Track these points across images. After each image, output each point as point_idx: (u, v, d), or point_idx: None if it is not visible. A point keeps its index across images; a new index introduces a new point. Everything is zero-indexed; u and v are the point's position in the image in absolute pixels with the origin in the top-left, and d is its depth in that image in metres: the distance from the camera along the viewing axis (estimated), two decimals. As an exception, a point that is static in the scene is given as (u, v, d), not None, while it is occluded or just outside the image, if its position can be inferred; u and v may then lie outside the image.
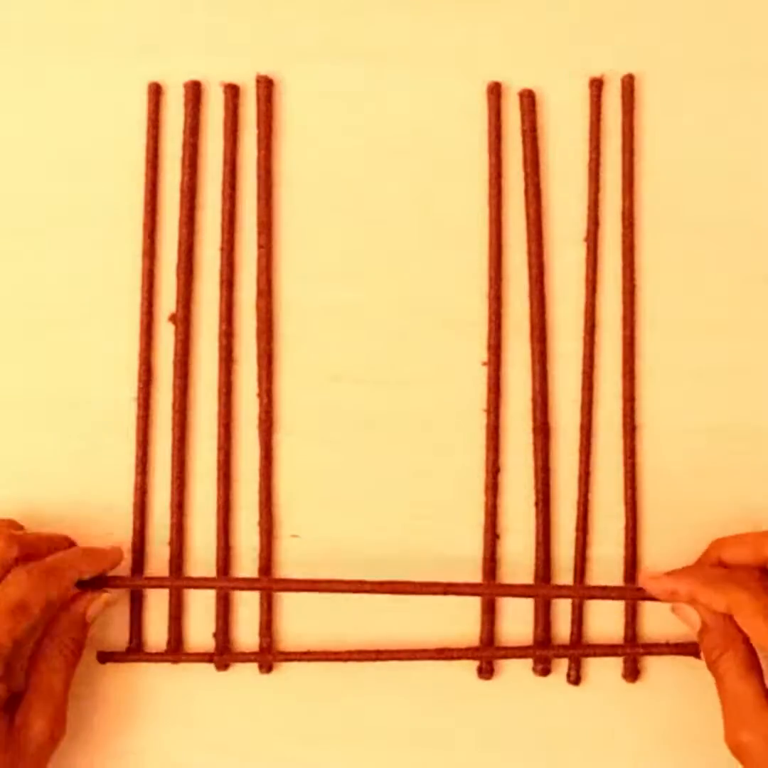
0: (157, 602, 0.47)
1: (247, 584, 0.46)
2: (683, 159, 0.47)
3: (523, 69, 0.47)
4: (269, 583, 0.46)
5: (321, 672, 0.46)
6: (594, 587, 0.45)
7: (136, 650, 0.46)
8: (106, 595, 0.44)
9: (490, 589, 0.45)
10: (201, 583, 0.46)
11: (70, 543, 0.45)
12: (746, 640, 0.41)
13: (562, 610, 0.46)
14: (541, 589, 0.45)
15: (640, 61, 0.47)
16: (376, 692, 0.46)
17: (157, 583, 0.46)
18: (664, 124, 0.47)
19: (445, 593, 0.44)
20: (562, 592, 0.45)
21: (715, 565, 0.43)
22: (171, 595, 0.47)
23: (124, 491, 0.47)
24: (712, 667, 0.42)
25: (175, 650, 0.46)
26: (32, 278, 0.48)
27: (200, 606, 0.47)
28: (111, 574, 0.45)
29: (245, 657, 0.46)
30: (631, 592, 0.44)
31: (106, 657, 0.46)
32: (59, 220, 0.48)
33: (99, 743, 0.47)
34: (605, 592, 0.44)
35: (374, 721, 0.46)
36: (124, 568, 0.46)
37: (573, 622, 0.46)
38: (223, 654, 0.46)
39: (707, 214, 0.47)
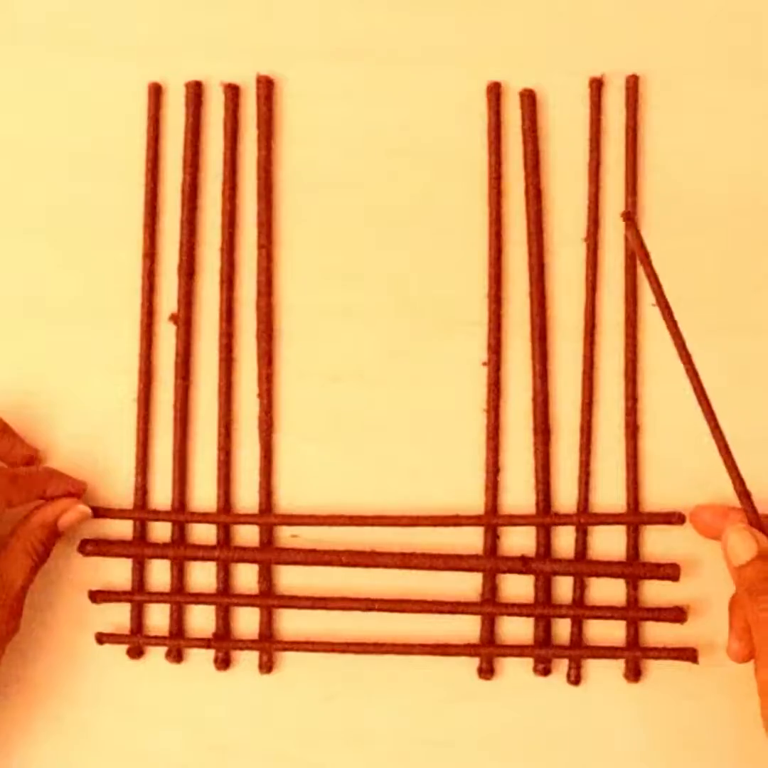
0: (158, 605, 0.47)
1: (248, 601, 0.47)
2: (684, 159, 0.47)
3: (523, 69, 0.47)
4: (268, 601, 0.46)
5: (321, 673, 0.46)
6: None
7: (136, 632, 0.47)
8: (81, 507, 0.45)
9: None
10: (202, 599, 0.47)
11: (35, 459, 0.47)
12: None
13: (564, 601, 0.46)
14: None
15: (640, 61, 0.47)
16: (377, 692, 0.46)
17: (157, 598, 0.47)
18: (665, 124, 0.47)
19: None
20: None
21: None
22: (172, 607, 0.47)
23: (124, 491, 0.47)
24: (755, 600, 0.39)
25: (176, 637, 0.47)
26: (33, 278, 0.48)
27: (201, 607, 0.47)
28: (114, 587, 0.46)
29: (244, 644, 0.46)
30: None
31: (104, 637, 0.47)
32: (60, 220, 0.48)
33: (99, 743, 0.47)
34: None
35: (374, 721, 0.46)
36: (125, 569, 0.47)
37: (573, 622, 0.46)
38: (221, 641, 0.46)
39: (708, 213, 0.47)
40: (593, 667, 0.46)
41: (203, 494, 0.47)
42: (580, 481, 0.46)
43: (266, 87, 0.47)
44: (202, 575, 0.47)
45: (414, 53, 0.47)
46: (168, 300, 0.48)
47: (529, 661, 0.46)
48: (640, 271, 0.46)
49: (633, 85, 0.47)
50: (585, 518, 0.46)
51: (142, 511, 0.47)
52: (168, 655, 0.47)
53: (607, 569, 0.46)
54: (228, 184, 0.48)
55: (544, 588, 0.46)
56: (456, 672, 0.46)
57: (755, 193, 0.47)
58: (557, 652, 0.46)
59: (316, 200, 0.47)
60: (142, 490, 0.47)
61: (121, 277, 0.48)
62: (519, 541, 0.46)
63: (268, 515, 0.47)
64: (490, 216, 0.47)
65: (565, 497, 0.46)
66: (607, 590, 0.46)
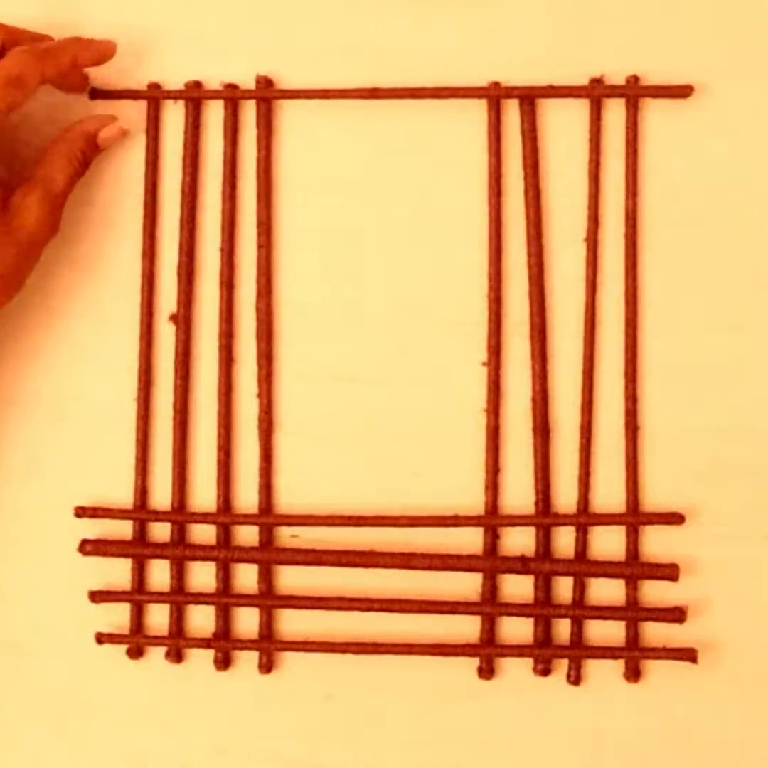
0: (157, 605, 0.47)
1: (247, 601, 0.46)
2: (684, 159, 0.47)
3: (523, 69, 0.47)
4: (268, 601, 0.46)
5: (321, 673, 0.46)
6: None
7: (136, 632, 0.47)
8: (121, 124, 0.47)
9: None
10: (202, 599, 0.47)
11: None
12: None
13: (564, 601, 0.46)
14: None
15: (640, 61, 0.47)
16: (377, 692, 0.46)
17: (157, 598, 0.47)
18: (665, 124, 0.47)
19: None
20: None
21: None
22: (171, 607, 0.47)
23: (124, 491, 0.47)
24: None
25: (175, 636, 0.47)
26: (33, 278, 0.47)
27: (201, 607, 0.47)
28: (114, 587, 0.46)
29: (244, 644, 0.46)
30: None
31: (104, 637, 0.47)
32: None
33: (99, 743, 0.47)
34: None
35: (374, 721, 0.46)
36: (125, 569, 0.47)
37: (573, 622, 0.46)
38: (221, 641, 0.46)
39: (709, 213, 0.47)
40: (593, 667, 0.46)
41: (203, 494, 0.47)
42: (580, 481, 0.46)
43: (266, 87, 0.47)
44: (202, 575, 0.47)
45: (414, 53, 0.47)
46: (168, 300, 0.48)
47: (529, 661, 0.46)
48: (640, 271, 0.47)
49: (633, 85, 0.47)
50: (585, 518, 0.46)
51: (142, 511, 0.47)
52: (168, 655, 0.47)
53: (606, 569, 0.46)
54: (228, 184, 0.48)
55: (544, 588, 0.46)
56: (456, 672, 0.46)
57: (755, 192, 0.47)
58: (557, 652, 0.46)
59: (316, 200, 0.47)
60: (142, 490, 0.47)
61: (121, 277, 0.48)
62: (519, 541, 0.46)
63: (268, 515, 0.47)
64: (490, 216, 0.47)
65: (565, 497, 0.46)
66: (607, 590, 0.46)
